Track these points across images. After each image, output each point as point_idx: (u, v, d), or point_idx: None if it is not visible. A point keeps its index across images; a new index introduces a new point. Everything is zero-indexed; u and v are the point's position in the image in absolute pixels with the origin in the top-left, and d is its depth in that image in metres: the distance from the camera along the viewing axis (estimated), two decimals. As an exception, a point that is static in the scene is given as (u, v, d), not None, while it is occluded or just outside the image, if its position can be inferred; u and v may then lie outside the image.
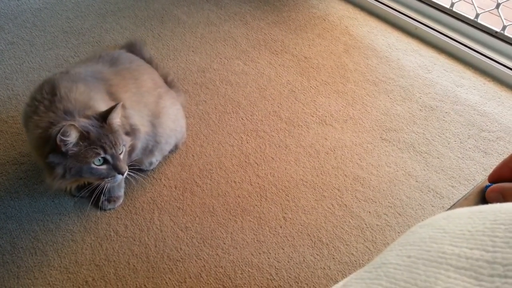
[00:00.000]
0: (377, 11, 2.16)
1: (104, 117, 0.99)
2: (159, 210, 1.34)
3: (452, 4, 2.00)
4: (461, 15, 1.98)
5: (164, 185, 1.40)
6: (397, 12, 2.10)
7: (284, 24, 2.08)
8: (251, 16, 2.13)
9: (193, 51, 1.92)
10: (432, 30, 2.00)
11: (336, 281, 1.19)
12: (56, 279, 1.18)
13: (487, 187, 0.96)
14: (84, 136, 0.94)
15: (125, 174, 1.04)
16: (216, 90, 1.74)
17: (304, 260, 1.24)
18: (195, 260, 1.23)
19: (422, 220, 1.35)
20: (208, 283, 1.18)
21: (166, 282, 1.18)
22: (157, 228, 1.30)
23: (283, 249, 1.26)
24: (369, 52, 1.94)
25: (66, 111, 1.00)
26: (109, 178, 1.02)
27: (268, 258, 1.23)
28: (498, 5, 1.88)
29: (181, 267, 1.21)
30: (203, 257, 1.24)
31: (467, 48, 1.91)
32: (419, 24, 2.04)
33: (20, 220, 1.30)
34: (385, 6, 2.14)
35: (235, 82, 1.77)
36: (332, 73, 1.83)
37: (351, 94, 1.74)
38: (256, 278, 1.20)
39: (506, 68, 1.82)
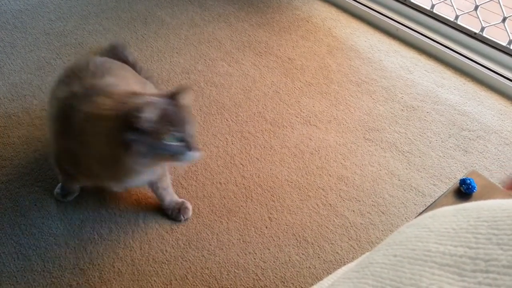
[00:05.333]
0: (359, 13, 2.19)
1: (173, 95, 1.01)
2: (144, 212, 1.33)
3: (433, 6, 2.04)
4: (441, 16, 2.02)
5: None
6: (378, 14, 2.13)
7: (268, 26, 2.09)
8: (235, 18, 2.14)
9: (177, 52, 1.92)
10: (413, 32, 2.04)
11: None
12: (39, 283, 1.16)
13: (461, 180, 0.98)
14: (160, 112, 0.94)
15: (198, 153, 1.01)
16: (200, 91, 1.74)
17: (290, 260, 1.25)
18: (181, 262, 1.23)
19: (405, 218, 1.38)
20: (194, 285, 1.18)
21: (151, 285, 1.18)
22: (142, 230, 1.29)
23: (269, 249, 1.27)
24: (352, 54, 1.97)
25: (129, 92, 1.03)
26: (182, 156, 0.99)
27: (254, 258, 1.24)
28: (476, 7, 1.92)
29: (166, 269, 1.21)
30: (189, 259, 1.23)
31: (447, 49, 1.95)
32: (400, 25, 2.07)
33: (1, 225, 1.28)
34: (367, 8, 2.17)
35: (220, 84, 1.78)
36: (316, 74, 1.85)
37: (334, 95, 1.76)
38: (242, 278, 1.20)
39: (485, 68, 1.86)
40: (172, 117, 0.96)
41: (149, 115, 0.92)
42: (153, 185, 1.25)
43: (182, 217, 1.30)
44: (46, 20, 2.04)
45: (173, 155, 0.99)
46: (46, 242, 1.25)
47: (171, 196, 1.30)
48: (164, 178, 1.26)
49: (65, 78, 1.17)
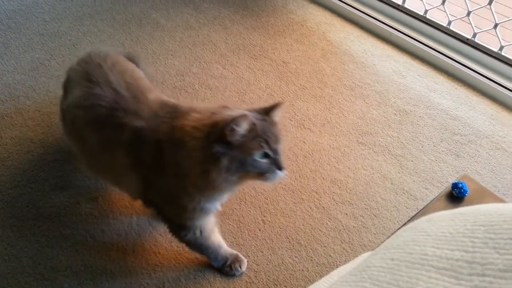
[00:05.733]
0: (354, 18, 2.20)
1: (266, 111, 0.96)
2: (137, 214, 1.33)
3: (426, 11, 2.06)
4: (434, 22, 2.04)
5: (142, 189, 1.39)
6: (372, 19, 2.15)
7: (263, 29, 2.10)
8: (230, 21, 2.14)
9: (172, 54, 1.92)
10: (407, 37, 2.06)
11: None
12: (31, 285, 1.16)
13: (453, 184, 0.99)
14: (251, 127, 0.90)
15: (285, 172, 0.96)
16: (195, 94, 1.74)
17: (282, 263, 1.25)
18: (174, 265, 1.23)
19: (397, 221, 1.39)
20: (187, 287, 1.18)
21: (144, 287, 1.17)
22: (135, 233, 1.29)
23: (262, 252, 1.27)
24: (346, 58, 1.98)
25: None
26: (269, 174, 0.94)
27: (247, 261, 1.24)
28: (469, 13, 1.94)
29: (159, 271, 1.21)
30: (182, 261, 1.23)
31: (440, 54, 1.97)
32: (394, 30, 2.09)
33: (-7, 226, 1.27)
34: (361, 13, 2.18)
35: (214, 86, 1.78)
36: (310, 77, 1.86)
37: (328, 98, 1.77)
38: (235, 281, 1.20)
39: (477, 74, 1.88)
40: (265, 133, 0.92)
41: (242, 128, 0.88)
42: None
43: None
44: (40, 21, 2.03)
45: (261, 174, 0.93)
46: (38, 243, 1.24)
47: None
48: None
49: (113, 113, 1.05)
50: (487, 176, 1.53)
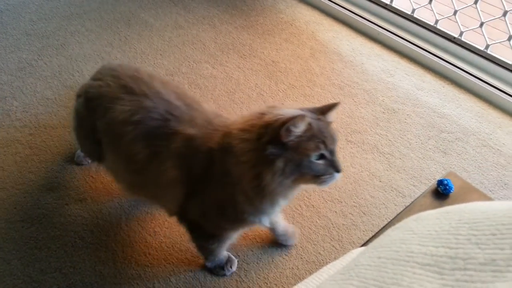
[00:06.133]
0: (342, 17, 2.21)
1: (322, 111, 0.92)
2: (126, 215, 1.32)
3: (413, 11, 2.08)
4: (421, 21, 2.06)
5: (132, 189, 1.39)
6: (360, 18, 2.17)
7: (252, 28, 2.10)
8: (219, 20, 2.14)
9: (161, 54, 1.91)
10: (394, 36, 2.07)
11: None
12: (20, 288, 1.15)
13: (438, 181, 1.01)
14: (307, 127, 0.86)
15: (341, 174, 0.91)
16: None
17: (272, 261, 1.26)
18: (164, 265, 1.22)
19: (386, 218, 1.40)
20: (177, 286, 1.18)
21: (134, 287, 1.17)
22: (124, 233, 1.28)
23: (252, 251, 1.27)
24: (335, 57, 1.99)
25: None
26: (326, 176, 0.89)
27: (237, 260, 1.24)
28: (455, 12, 1.97)
29: (149, 272, 1.21)
30: (172, 261, 1.23)
31: (427, 53, 1.99)
32: (382, 29, 2.11)
33: (-20, 229, 1.25)
34: (349, 12, 2.20)
35: (204, 86, 1.78)
36: (299, 76, 1.87)
37: (317, 97, 1.78)
38: (226, 280, 1.21)
39: (463, 72, 1.90)
40: (321, 133, 0.87)
41: (299, 129, 0.84)
42: None
43: (293, 241, 1.29)
44: (27, 21, 2.01)
45: (317, 176, 0.88)
46: (27, 245, 1.23)
47: (282, 222, 1.26)
48: None
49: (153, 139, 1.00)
50: (474, 173, 1.55)
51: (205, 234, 1.08)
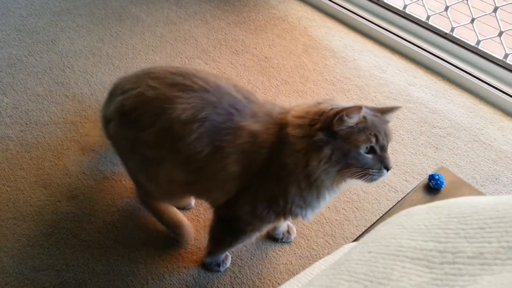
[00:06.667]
0: (334, 13, 2.22)
1: (381, 111, 0.92)
2: (119, 211, 1.32)
3: (405, 6, 2.08)
4: (413, 17, 2.07)
5: (124, 186, 1.38)
6: (353, 14, 2.17)
7: (244, 24, 2.10)
8: (211, 16, 2.13)
9: (152, 50, 1.90)
10: (386, 31, 2.08)
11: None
12: (12, 286, 1.14)
13: (430, 176, 1.02)
14: (361, 120, 0.86)
15: (389, 172, 0.90)
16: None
17: (266, 257, 1.26)
18: (158, 261, 1.22)
19: (378, 213, 1.41)
20: (171, 284, 1.18)
21: (127, 284, 1.17)
22: (117, 230, 1.28)
23: (246, 247, 1.28)
24: (327, 53, 1.99)
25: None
26: (374, 171, 0.87)
27: (231, 256, 1.24)
28: (447, 8, 1.98)
29: (143, 268, 1.20)
30: (166, 258, 1.23)
31: (419, 49, 2.00)
32: (374, 25, 2.11)
33: (-29, 227, 1.24)
34: (341, 8, 2.20)
35: (196, 82, 1.77)
36: (292, 72, 1.87)
37: (310, 93, 1.78)
38: (220, 276, 1.21)
39: (455, 67, 1.91)
40: (375, 127, 0.86)
41: (353, 120, 0.84)
42: None
43: (291, 238, 1.30)
44: (17, 16, 1.99)
45: (364, 170, 0.87)
46: (19, 243, 1.23)
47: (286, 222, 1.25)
48: None
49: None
50: (465, 168, 1.56)
51: (240, 230, 1.06)
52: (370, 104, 1.74)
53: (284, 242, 1.30)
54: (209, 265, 1.21)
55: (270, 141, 0.93)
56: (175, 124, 0.96)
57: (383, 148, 0.88)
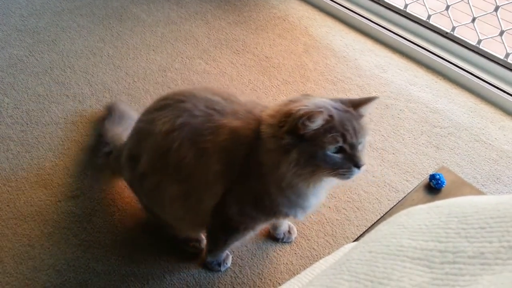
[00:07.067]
0: (335, 12, 2.21)
1: (354, 104, 0.90)
2: (119, 211, 1.32)
3: (406, 6, 2.08)
4: (414, 16, 2.07)
5: (124, 185, 1.38)
6: (353, 13, 2.17)
7: (245, 24, 2.10)
8: (212, 16, 2.13)
9: (153, 50, 1.90)
10: (387, 31, 2.08)
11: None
12: (13, 286, 1.14)
13: (430, 175, 1.01)
14: (327, 120, 0.84)
15: (362, 169, 0.88)
16: (178, 89, 1.73)
17: (267, 257, 1.26)
18: (158, 261, 1.22)
19: (379, 213, 1.40)
20: (171, 284, 1.18)
21: (128, 285, 1.17)
22: (118, 230, 1.28)
23: (246, 247, 1.28)
24: (328, 52, 1.99)
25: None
26: (344, 170, 0.87)
27: (232, 256, 1.24)
28: (448, 7, 1.98)
29: (143, 268, 1.20)
30: (166, 258, 1.23)
31: (420, 48, 2.00)
32: (375, 24, 2.11)
33: (-28, 227, 1.25)
34: (342, 7, 2.20)
35: (197, 82, 1.77)
36: (293, 72, 1.87)
37: (310, 92, 1.78)
38: (220, 276, 1.21)
39: (456, 67, 1.91)
40: (343, 126, 0.85)
41: (316, 124, 0.83)
42: None
43: (292, 238, 1.30)
44: (18, 16, 1.99)
45: (334, 169, 0.86)
46: (20, 243, 1.23)
47: (286, 222, 1.26)
48: None
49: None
50: (466, 168, 1.56)
51: (233, 229, 1.06)
52: (372, 104, 1.74)
53: (285, 242, 1.29)
54: (210, 265, 1.21)
55: (250, 137, 0.93)
56: (159, 140, 0.99)
57: (353, 147, 0.87)
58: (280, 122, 0.86)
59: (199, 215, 1.06)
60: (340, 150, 0.86)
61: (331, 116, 0.84)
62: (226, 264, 1.22)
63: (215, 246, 1.16)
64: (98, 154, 1.36)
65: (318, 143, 0.84)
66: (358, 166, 0.87)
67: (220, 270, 1.21)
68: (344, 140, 0.85)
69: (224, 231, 1.08)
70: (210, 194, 1.00)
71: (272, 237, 1.29)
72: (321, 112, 0.82)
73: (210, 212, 1.04)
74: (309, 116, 0.81)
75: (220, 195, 0.99)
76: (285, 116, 0.86)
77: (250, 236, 1.13)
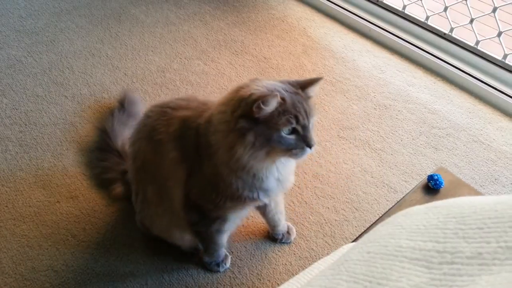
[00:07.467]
0: (333, 13, 2.22)
1: (302, 86, 0.92)
2: (118, 212, 1.32)
3: (404, 7, 2.09)
4: (412, 17, 2.07)
5: (124, 187, 1.38)
6: (352, 14, 2.17)
7: (243, 25, 2.10)
8: (210, 16, 2.13)
9: (152, 50, 1.90)
10: (385, 32, 2.08)
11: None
12: (12, 287, 1.14)
13: (429, 176, 1.02)
14: (280, 103, 0.86)
15: (313, 148, 0.91)
16: (176, 90, 1.73)
17: (266, 257, 1.26)
18: (157, 262, 1.22)
19: (378, 214, 1.41)
20: (170, 284, 1.18)
21: (127, 285, 1.17)
22: (116, 231, 1.28)
23: (245, 247, 1.28)
24: (326, 53, 1.99)
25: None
26: (297, 150, 0.90)
27: (231, 256, 1.24)
28: (446, 8, 1.98)
29: (142, 269, 1.20)
30: (165, 258, 1.23)
31: (418, 49, 2.00)
32: (373, 26, 2.11)
33: (-30, 228, 1.24)
34: (340, 9, 2.20)
35: (196, 82, 1.77)
36: (291, 73, 1.87)
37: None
38: (219, 276, 1.21)
39: (454, 68, 1.91)
40: (295, 108, 0.88)
41: (270, 107, 0.85)
42: (266, 210, 1.19)
43: (291, 239, 1.30)
44: (16, 17, 1.99)
45: (288, 150, 0.90)
46: (18, 244, 1.23)
47: (284, 220, 1.27)
48: (281, 200, 1.22)
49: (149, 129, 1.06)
50: (464, 168, 1.56)
51: (207, 218, 1.08)
52: (369, 104, 1.75)
53: (283, 242, 1.30)
54: (208, 265, 1.21)
55: (198, 123, 0.97)
56: (130, 151, 1.12)
57: (305, 128, 0.90)
58: (233, 108, 0.88)
59: (178, 212, 1.08)
60: (293, 131, 0.89)
61: (283, 99, 0.87)
62: (225, 265, 1.22)
63: (203, 243, 1.17)
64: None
65: (273, 126, 0.87)
66: (310, 146, 0.90)
67: (218, 271, 1.21)
68: (297, 121, 0.88)
69: (200, 223, 1.10)
70: (174, 181, 1.04)
71: (271, 237, 1.30)
72: (275, 95, 0.84)
73: (181, 204, 1.07)
74: (264, 100, 0.83)
75: (183, 180, 1.02)
76: (238, 102, 0.88)
77: (229, 228, 1.13)
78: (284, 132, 0.88)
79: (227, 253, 1.23)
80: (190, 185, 1.02)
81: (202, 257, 1.22)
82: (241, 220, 1.16)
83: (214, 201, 1.02)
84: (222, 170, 0.95)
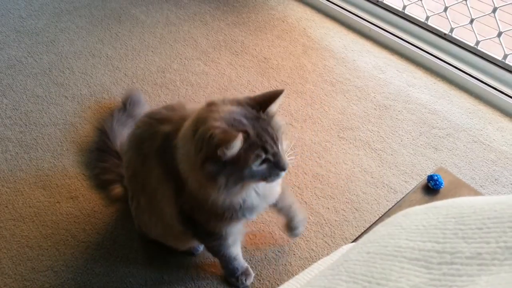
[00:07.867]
0: (333, 14, 2.22)
1: (262, 104, 0.86)
2: (118, 212, 1.32)
3: (404, 7, 2.09)
4: (412, 17, 2.07)
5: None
6: (352, 15, 2.17)
7: (244, 25, 2.10)
8: (211, 17, 2.13)
9: (152, 51, 1.90)
10: (386, 32, 2.08)
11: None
12: (11, 287, 1.14)
13: (429, 176, 1.02)
14: (244, 138, 0.81)
15: (287, 168, 0.88)
16: (176, 90, 1.73)
17: (265, 258, 1.26)
18: (156, 263, 1.22)
19: (378, 214, 1.41)
20: (170, 285, 1.18)
21: (127, 286, 1.17)
22: (116, 231, 1.28)
23: (245, 248, 1.28)
24: (326, 53, 1.99)
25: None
26: (272, 177, 0.88)
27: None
28: (446, 8, 1.98)
29: (141, 270, 1.20)
30: (164, 259, 1.23)
31: (418, 49, 2.00)
32: (373, 26, 2.11)
33: (-30, 228, 1.24)
34: (340, 9, 2.20)
35: (196, 83, 1.78)
36: (291, 73, 1.87)
37: (309, 94, 1.78)
38: (219, 277, 1.21)
39: (454, 68, 1.91)
40: (261, 138, 0.83)
41: (235, 148, 0.79)
42: (277, 207, 1.16)
43: (301, 230, 1.26)
44: (16, 18, 1.99)
45: (263, 179, 0.87)
46: (18, 244, 1.23)
47: (300, 212, 1.23)
48: (286, 194, 1.16)
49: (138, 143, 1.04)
50: (464, 169, 1.56)
51: (205, 231, 1.06)
52: (370, 104, 1.75)
53: (231, 285, 1.22)
54: (228, 278, 1.20)
55: (176, 141, 0.94)
56: (123, 161, 1.13)
57: (275, 154, 0.85)
58: (196, 146, 0.83)
59: (170, 224, 1.06)
60: (264, 160, 0.84)
61: (247, 132, 0.81)
62: (245, 281, 1.18)
63: (215, 256, 1.16)
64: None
65: (242, 163, 0.82)
66: (283, 169, 0.87)
67: (237, 286, 1.19)
68: (266, 152, 0.83)
69: (202, 238, 1.09)
70: (162, 196, 1.02)
71: (267, 236, 1.28)
72: (237, 135, 0.78)
73: (177, 220, 1.04)
74: (226, 144, 0.78)
75: (171, 197, 1.00)
76: (201, 141, 0.82)
77: (234, 240, 1.10)
78: (255, 166, 0.83)
79: (250, 270, 1.20)
80: (181, 201, 1.00)
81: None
82: (241, 234, 1.13)
83: (205, 219, 1.01)
84: (198, 197, 0.93)
